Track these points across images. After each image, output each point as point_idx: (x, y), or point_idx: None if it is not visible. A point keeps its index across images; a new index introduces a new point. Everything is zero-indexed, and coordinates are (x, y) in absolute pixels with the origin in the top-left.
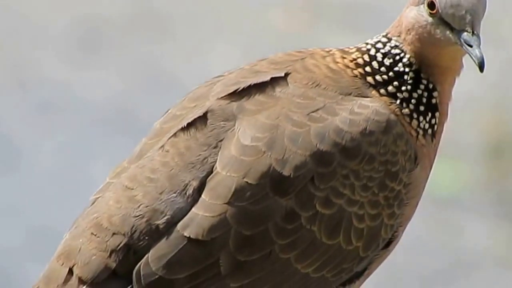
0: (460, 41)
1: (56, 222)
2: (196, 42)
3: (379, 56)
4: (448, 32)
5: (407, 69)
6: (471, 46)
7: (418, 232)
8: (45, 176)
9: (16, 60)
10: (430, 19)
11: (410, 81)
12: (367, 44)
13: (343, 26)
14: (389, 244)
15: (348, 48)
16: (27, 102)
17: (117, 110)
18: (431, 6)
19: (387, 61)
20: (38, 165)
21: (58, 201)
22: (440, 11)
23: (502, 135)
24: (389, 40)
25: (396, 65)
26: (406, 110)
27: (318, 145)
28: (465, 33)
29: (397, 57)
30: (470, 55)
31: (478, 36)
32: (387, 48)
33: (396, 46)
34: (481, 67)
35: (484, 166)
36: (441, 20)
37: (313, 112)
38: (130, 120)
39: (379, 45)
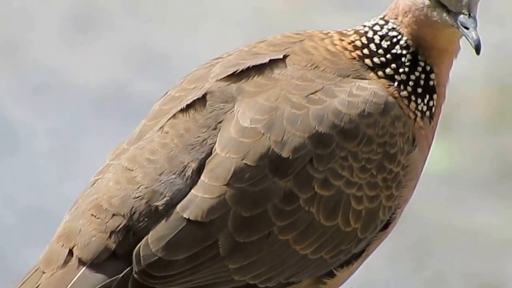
0: (457, 23)
1: (51, 202)
2: (188, 23)
3: (377, 39)
4: (444, 14)
5: (404, 51)
6: (467, 29)
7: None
8: (40, 156)
9: (11, 42)
10: (427, 2)
11: (407, 63)
12: (364, 26)
13: (337, 5)
14: (387, 225)
15: (346, 30)
16: (22, 84)
17: (110, 92)
18: None
19: (384, 44)
20: (33, 146)
21: (52, 181)
22: None
23: (497, 111)
24: (386, 22)
25: (394, 48)
26: (404, 93)
27: (316, 127)
28: (462, 16)
29: (394, 40)
30: (467, 38)
31: (474, 19)
32: (385, 30)
33: (393, 29)
34: (477, 49)
35: (478, 143)
36: (438, 3)
37: (311, 94)
38: (123, 101)
39: (377, 28)
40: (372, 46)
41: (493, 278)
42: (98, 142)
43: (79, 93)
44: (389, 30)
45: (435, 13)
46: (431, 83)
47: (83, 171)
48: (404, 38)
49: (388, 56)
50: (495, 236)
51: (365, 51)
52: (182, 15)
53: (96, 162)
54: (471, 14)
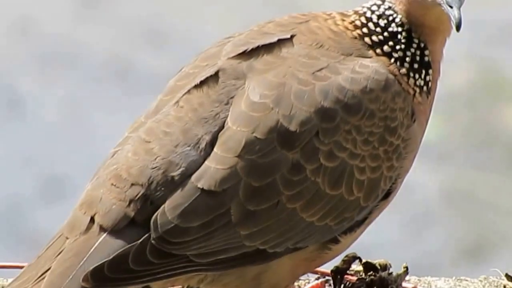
0: (443, 2)
1: (62, 168)
2: (187, 2)
3: (375, 18)
4: None
5: (399, 29)
6: (451, 7)
7: None
8: (48, 125)
9: (24, 17)
10: None
11: (403, 40)
12: (363, 7)
13: None
14: (388, 195)
15: (347, 11)
16: (31, 55)
17: (114, 64)
18: None
19: (381, 22)
20: (42, 115)
21: (62, 149)
22: None
23: (473, 86)
24: (383, 2)
25: (390, 25)
26: (403, 70)
27: (322, 102)
28: None
29: (391, 18)
30: (449, 15)
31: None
32: (381, 9)
33: (389, 8)
34: (458, 26)
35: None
36: None
37: (317, 71)
38: (127, 72)
39: (374, 8)
40: (371, 25)
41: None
42: (103, 111)
43: (86, 66)
44: (385, 9)
45: None
46: (426, 59)
47: (89, 137)
48: (399, 16)
49: (386, 34)
50: (480, 200)
51: (365, 30)
52: None
53: (101, 129)
54: None
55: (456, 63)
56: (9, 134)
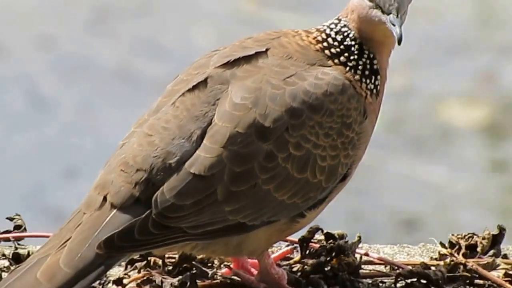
0: (387, 21)
1: (78, 158)
2: (181, 22)
3: (333, 34)
4: (380, 13)
5: (353, 43)
6: (394, 25)
7: None
8: (66, 121)
9: (46, 33)
10: (369, 4)
11: (356, 52)
12: (323, 25)
13: (290, 9)
14: (345, 178)
15: (310, 29)
16: (52, 64)
17: (122, 72)
18: None
19: (338, 37)
20: (61, 113)
21: (78, 141)
22: None
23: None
24: (340, 21)
25: (345, 40)
26: (357, 76)
27: (291, 103)
28: (391, 15)
29: (345, 34)
30: (392, 32)
31: (400, 18)
32: (338, 27)
33: (344, 25)
34: (399, 41)
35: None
36: (376, 5)
37: (287, 78)
38: (132, 78)
39: (332, 26)
40: (330, 40)
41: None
42: (112, 110)
43: (97, 73)
44: (341, 27)
45: (373, 13)
46: (375, 67)
47: (100, 132)
48: (352, 32)
49: (342, 47)
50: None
51: (325, 44)
52: (177, 17)
53: (111, 125)
54: (399, 15)
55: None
56: (34, 128)
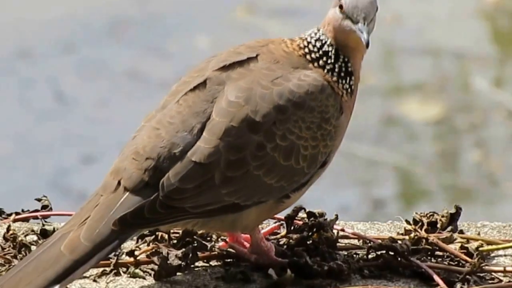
0: (356, 29)
1: (96, 147)
2: (184, 31)
3: (313, 41)
4: (350, 23)
5: (330, 49)
6: (362, 33)
7: None
8: (85, 115)
9: (66, 37)
10: (341, 15)
11: (333, 57)
12: (305, 34)
13: (277, 17)
14: (324, 164)
15: (294, 37)
16: (73, 65)
17: (133, 72)
18: (341, 7)
19: (318, 44)
20: (80, 107)
21: (95, 132)
22: (346, 10)
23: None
24: (319, 30)
25: (323, 47)
26: (334, 78)
27: (278, 101)
28: (360, 24)
29: (323, 41)
30: (360, 38)
31: (368, 26)
32: (317, 36)
33: (323, 34)
34: (367, 46)
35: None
36: (347, 16)
37: (275, 79)
38: (142, 79)
39: (312, 35)
40: (310, 46)
41: None
42: (125, 107)
43: (112, 73)
44: (320, 35)
45: (345, 23)
46: (349, 69)
47: (115, 126)
48: (329, 40)
49: (320, 52)
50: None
51: (306, 50)
52: (179, 28)
53: (124, 120)
54: (365, 23)
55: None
56: (58, 121)
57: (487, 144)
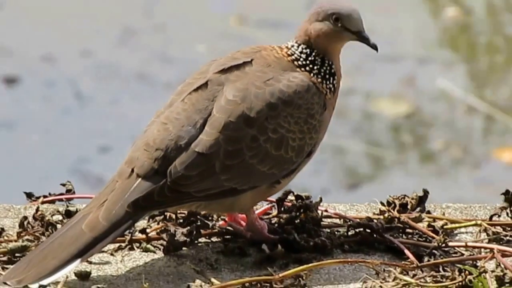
0: (362, 37)
1: (112, 140)
2: (186, 38)
3: (297, 53)
4: (349, 33)
5: (316, 57)
6: (368, 39)
7: None
8: (100, 111)
9: (83, 45)
10: (335, 28)
11: (318, 63)
12: (288, 44)
13: (264, 29)
14: (310, 154)
15: (282, 45)
16: (90, 68)
17: (143, 74)
18: (336, 20)
19: (303, 56)
20: (96, 105)
21: (110, 126)
22: (345, 23)
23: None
24: (299, 45)
25: (310, 57)
26: (319, 79)
27: (270, 99)
28: (361, 33)
29: (308, 52)
30: (369, 44)
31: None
32: (300, 49)
33: (306, 47)
34: (377, 49)
35: None
36: (343, 27)
37: (267, 80)
38: (151, 80)
39: (295, 45)
40: (296, 54)
41: None
42: (137, 105)
43: (125, 75)
44: (303, 48)
45: (343, 34)
46: (332, 71)
47: (128, 121)
48: (315, 51)
49: (307, 61)
50: None
51: (294, 57)
52: (181, 37)
53: (136, 116)
54: (364, 30)
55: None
56: (77, 116)
57: (449, 133)
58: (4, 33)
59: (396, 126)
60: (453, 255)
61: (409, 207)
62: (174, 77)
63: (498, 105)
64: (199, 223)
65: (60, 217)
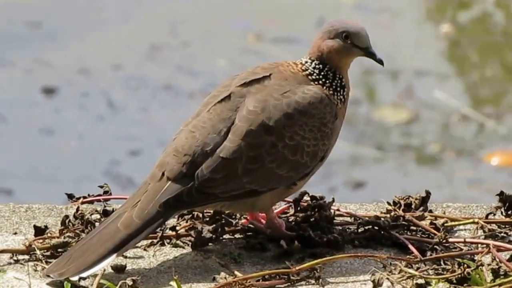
0: (370, 53)
1: (141, 145)
2: (209, 53)
3: (311, 66)
4: (358, 49)
5: (329, 72)
6: (375, 54)
7: None
8: (131, 119)
9: (113, 59)
10: (342, 43)
11: (330, 77)
12: (303, 59)
13: (279, 46)
14: (323, 159)
15: (297, 61)
16: (120, 80)
17: (170, 86)
18: (346, 37)
19: (316, 71)
20: (127, 113)
21: (140, 134)
22: (353, 39)
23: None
24: (312, 61)
25: (322, 71)
26: (331, 91)
27: (287, 109)
28: (368, 49)
29: (321, 68)
30: (375, 59)
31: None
32: (313, 65)
33: (319, 63)
34: (382, 63)
35: None
36: (352, 44)
37: (284, 93)
38: (179, 91)
39: (309, 61)
40: (310, 69)
41: None
42: (162, 114)
43: (152, 87)
44: (316, 64)
45: (352, 50)
46: (342, 83)
47: (154, 128)
48: (327, 66)
49: (320, 76)
50: None
51: (307, 72)
52: (202, 51)
53: (161, 124)
54: (371, 46)
55: None
56: (110, 124)
57: (445, 139)
58: (45, 47)
59: (397, 131)
60: (453, 250)
61: (413, 206)
62: (197, 88)
63: (489, 114)
64: (223, 221)
65: (98, 216)
